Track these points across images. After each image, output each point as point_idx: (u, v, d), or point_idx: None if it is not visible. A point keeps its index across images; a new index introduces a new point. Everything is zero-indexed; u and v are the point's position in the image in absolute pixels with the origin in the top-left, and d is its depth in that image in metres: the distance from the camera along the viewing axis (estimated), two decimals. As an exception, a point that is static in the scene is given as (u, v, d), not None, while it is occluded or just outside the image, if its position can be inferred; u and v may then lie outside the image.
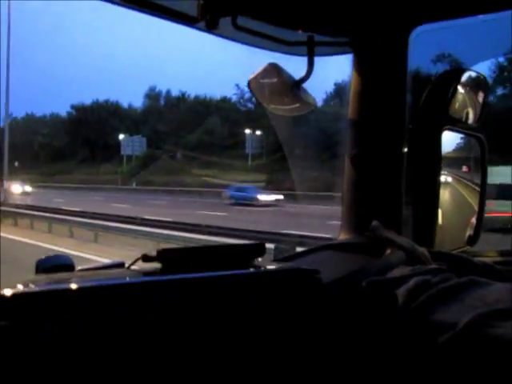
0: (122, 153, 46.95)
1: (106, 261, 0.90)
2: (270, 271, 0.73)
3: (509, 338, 0.77)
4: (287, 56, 1.42)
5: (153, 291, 0.62)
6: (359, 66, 1.34)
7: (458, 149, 1.55)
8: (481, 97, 1.45)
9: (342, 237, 1.32)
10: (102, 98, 59.23)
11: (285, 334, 0.74)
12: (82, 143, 53.52)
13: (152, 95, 58.70)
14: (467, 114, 1.43)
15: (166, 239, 12.48)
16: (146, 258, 0.67)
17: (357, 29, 1.33)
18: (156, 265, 0.68)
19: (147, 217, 17.09)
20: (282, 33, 1.32)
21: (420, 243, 1.28)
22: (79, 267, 0.82)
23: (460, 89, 1.38)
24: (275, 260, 1.00)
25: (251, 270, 0.71)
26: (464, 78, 1.38)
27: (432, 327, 0.84)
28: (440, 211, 1.47)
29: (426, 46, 1.41)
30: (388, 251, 1.14)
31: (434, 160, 1.35)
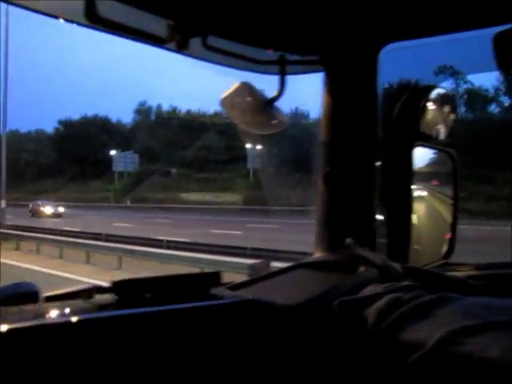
0: (114, 169, 45.10)
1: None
2: (220, 304, 0.72)
3: (477, 356, 0.77)
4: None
5: (104, 327, 0.61)
6: (330, 84, 1.35)
7: (431, 164, 1.57)
8: (451, 113, 1.47)
9: (317, 254, 1.32)
10: (89, 113, 57.56)
11: (241, 368, 0.72)
12: (71, 160, 51.57)
13: (142, 110, 57.17)
14: (438, 129, 1.45)
15: (209, 264, 10.67)
16: (99, 290, 0.66)
17: (327, 47, 1.35)
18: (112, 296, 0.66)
19: (172, 239, 15.15)
20: (253, 52, 1.33)
21: (394, 259, 1.29)
22: (45, 294, 0.80)
23: (430, 105, 1.40)
24: (232, 287, 0.98)
25: (199, 303, 0.70)
26: (434, 94, 1.40)
27: (402, 346, 0.83)
28: (416, 226, 1.48)
29: (396, 63, 1.43)
30: (361, 269, 1.14)
31: (406, 176, 1.36)
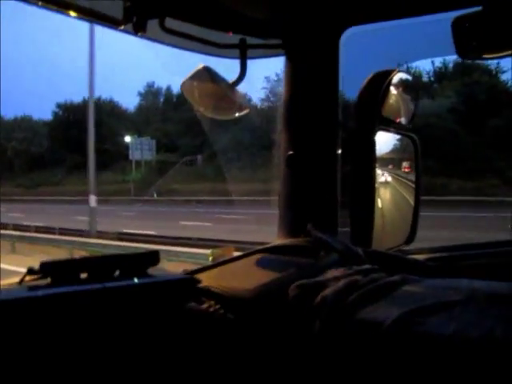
0: (131, 158, 37.53)
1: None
2: (157, 282, 0.70)
3: (433, 333, 0.77)
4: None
5: (35, 307, 0.59)
6: (292, 68, 1.34)
7: (394, 149, 1.58)
8: (413, 97, 1.47)
9: (279, 240, 1.31)
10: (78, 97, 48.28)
11: (179, 346, 0.71)
12: (72, 148, 42.72)
13: (151, 92, 49.14)
14: (400, 114, 1.45)
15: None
16: (30, 272, 0.63)
17: (288, 31, 1.33)
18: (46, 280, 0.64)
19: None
20: (213, 35, 1.31)
21: (357, 243, 1.29)
22: None
23: (392, 90, 1.40)
24: (189, 272, 0.96)
25: (137, 281, 0.69)
26: (396, 79, 1.40)
27: (360, 327, 0.84)
28: (380, 211, 1.49)
29: (357, 47, 1.42)
30: (322, 253, 1.14)
31: (369, 160, 1.36)
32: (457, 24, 1.16)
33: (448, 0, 1.22)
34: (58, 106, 48.73)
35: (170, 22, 1.20)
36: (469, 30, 1.16)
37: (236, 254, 1.30)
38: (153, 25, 1.18)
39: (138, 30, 1.15)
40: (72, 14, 1.12)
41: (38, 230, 16.51)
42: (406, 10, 1.29)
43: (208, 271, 1.01)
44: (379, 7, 1.30)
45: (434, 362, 0.76)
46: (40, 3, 1.05)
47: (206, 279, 0.94)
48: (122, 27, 1.16)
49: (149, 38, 1.23)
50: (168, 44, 1.28)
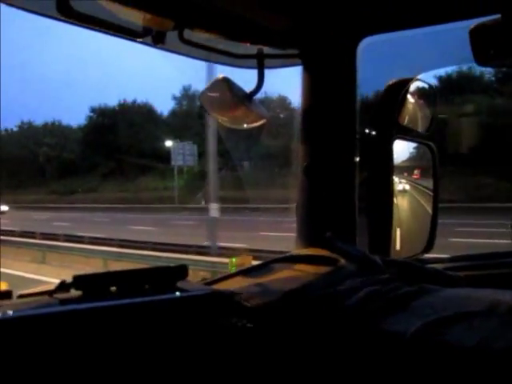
0: (173, 163, 34.56)
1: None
2: (188, 297, 0.71)
3: (454, 345, 0.77)
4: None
5: (69, 320, 0.60)
6: (309, 78, 1.34)
7: (410, 157, 1.58)
8: (430, 105, 1.47)
9: (297, 249, 1.32)
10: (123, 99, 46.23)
11: (212, 360, 0.71)
12: (106, 154, 40.26)
13: (187, 96, 46.42)
14: (417, 122, 1.45)
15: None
16: (61, 286, 0.64)
17: (305, 40, 1.34)
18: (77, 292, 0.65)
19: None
20: (230, 46, 1.32)
21: (376, 252, 1.29)
22: (19, 292, 0.79)
23: (409, 98, 1.40)
24: (208, 282, 0.97)
25: (167, 296, 0.69)
26: (413, 87, 1.41)
27: (381, 338, 0.83)
28: (398, 219, 1.48)
29: (375, 56, 1.43)
30: (341, 262, 1.14)
31: (386, 169, 1.36)
32: (475, 32, 1.16)
33: (466, 8, 1.21)
34: (92, 110, 46.03)
35: (189, 33, 1.22)
36: (487, 37, 1.16)
37: (254, 262, 1.30)
38: (171, 36, 1.19)
39: (158, 42, 1.17)
40: (92, 27, 1.14)
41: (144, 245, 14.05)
42: (423, 19, 1.29)
43: (227, 281, 1.01)
44: (396, 16, 1.31)
45: (455, 373, 0.76)
46: (60, 17, 1.07)
47: (227, 287, 0.95)
48: (141, 39, 1.18)
49: (167, 50, 1.25)
50: (187, 55, 1.30)
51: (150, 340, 0.65)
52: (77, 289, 0.64)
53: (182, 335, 0.68)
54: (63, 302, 0.63)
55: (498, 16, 1.10)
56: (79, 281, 0.64)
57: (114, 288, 0.67)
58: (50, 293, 0.65)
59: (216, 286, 0.98)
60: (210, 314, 0.71)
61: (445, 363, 0.77)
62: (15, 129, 49.06)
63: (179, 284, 0.73)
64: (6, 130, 46.92)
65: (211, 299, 0.72)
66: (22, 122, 49.44)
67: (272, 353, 0.82)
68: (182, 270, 0.73)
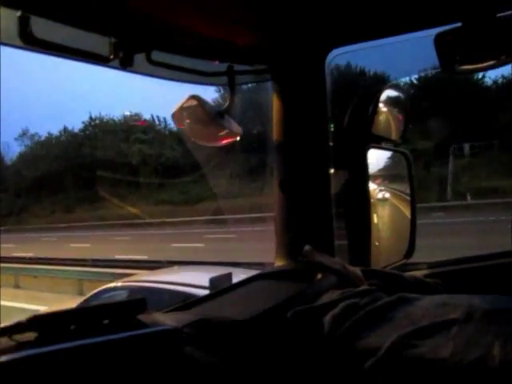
0: None
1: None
2: (147, 334, 0.69)
3: (428, 357, 0.77)
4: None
5: (29, 366, 0.58)
6: (279, 92, 1.35)
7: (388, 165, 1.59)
8: (402, 113, 1.49)
9: (277, 262, 1.31)
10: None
11: None
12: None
13: None
14: (391, 131, 1.46)
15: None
16: (17, 328, 0.63)
17: (274, 55, 1.35)
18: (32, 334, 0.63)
19: None
20: (200, 64, 1.32)
21: (356, 262, 1.29)
22: None
23: (381, 107, 1.42)
24: (187, 304, 0.96)
25: (126, 333, 0.67)
26: (384, 96, 1.42)
27: (357, 354, 0.83)
28: (379, 227, 1.49)
29: (344, 67, 1.44)
30: (320, 276, 1.14)
31: (362, 178, 1.36)
32: (439, 40, 1.18)
33: (429, 17, 1.23)
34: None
35: (157, 55, 1.22)
36: (451, 44, 1.17)
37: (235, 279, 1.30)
38: (140, 58, 1.19)
39: (125, 64, 1.17)
40: (57, 53, 1.13)
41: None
42: (389, 29, 1.30)
43: (207, 302, 1.01)
44: (363, 28, 1.32)
45: None
46: (26, 46, 1.06)
47: (204, 311, 0.94)
48: (109, 63, 1.18)
49: (136, 72, 1.24)
50: (156, 76, 1.29)
51: (111, 381, 0.64)
52: (32, 330, 0.63)
53: (144, 375, 0.67)
54: (20, 345, 0.61)
55: (458, 24, 1.12)
56: (35, 322, 0.62)
57: (72, 327, 0.65)
58: (7, 333, 0.64)
59: (195, 308, 0.97)
60: (171, 350, 0.70)
61: (418, 377, 0.77)
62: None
63: (141, 317, 0.72)
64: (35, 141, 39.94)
65: (171, 335, 0.70)
66: (49, 134, 39.85)
67: (245, 372, 0.81)
68: (140, 304, 0.72)
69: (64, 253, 16.30)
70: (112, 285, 6.20)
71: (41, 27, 1.02)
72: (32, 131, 39.56)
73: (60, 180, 32.01)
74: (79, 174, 31.18)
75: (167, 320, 0.79)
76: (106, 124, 36.56)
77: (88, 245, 18.85)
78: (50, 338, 0.61)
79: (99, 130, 35.96)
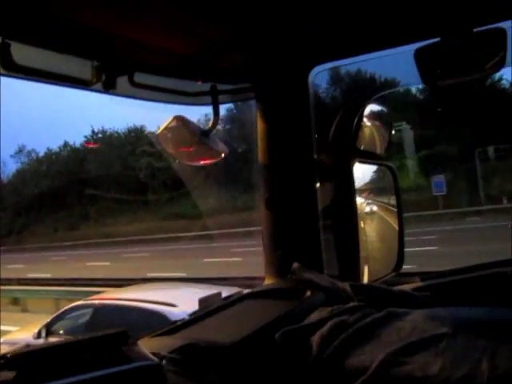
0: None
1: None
2: (130, 369, 0.68)
3: (417, 375, 0.77)
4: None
5: None
6: (263, 110, 1.35)
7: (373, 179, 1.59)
8: (386, 127, 1.50)
9: (267, 280, 1.31)
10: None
11: None
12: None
13: None
14: (375, 145, 1.47)
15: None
16: None
17: (256, 74, 1.36)
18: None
19: None
20: (183, 85, 1.33)
21: (345, 277, 1.29)
22: None
23: (365, 121, 1.42)
24: (174, 328, 0.95)
25: (108, 370, 0.66)
26: (368, 110, 1.43)
27: (346, 373, 0.83)
28: (368, 241, 1.49)
29: (327, 82, 1.45)
30: (308, 293, 1.14)
31: (348, 193, 1.37)
32: (419, 54, 1.20)
33: (409, 33, 1.25)
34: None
35: (139, 76, 1.22)
36: (431, 59, 1.19)
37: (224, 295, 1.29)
38: (122, 81, 1.20)
39: (108, 87, 1.17)
40: (39, 79, 1.12)
41: None
42: (370, 45, 1.31)
43: (194, 324, 1.00)
44: (344, 44, 1.33)
45: None
46: (7, 73, 1.06)
47: (191, 334, 0.93)
48: (92, 87, 1.18)
49: (119, 95, 1.24)
50: (139, 98, 1.29)
51: None
52: (10, 369, 0.61)
53: None
54: None
55: (437, 39, 1.13)
56: (13, 360, 0.61)
57: (51, 365, 0.64)
58: None
59: (183, 332, 0.96)
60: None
61: None
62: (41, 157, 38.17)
63: (125, 348, 0.71)
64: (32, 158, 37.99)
65: (153, 370, 0.69)
66: (48, 149, 37.06)
67: None
68: (122, 336, 0.71)
69: (87, 272, 15.03)
70: (80, 302, 6.33)
71: (21, 53, 1.02)
72: (28, 148, 37.84)
73: (62, 197, 30.74)
74: (82, 190, 29.75)
75: (153, 347, 0.78)
76: (109, 137, 34.76)
77: (107, 263, 17.79)
78: (29, 378, 0.60)
79: (104, 144, 33.91)
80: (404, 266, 1.51)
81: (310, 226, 1.32)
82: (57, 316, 6.39)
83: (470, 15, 1.15)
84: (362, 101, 1.43)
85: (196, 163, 1.35)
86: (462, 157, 18.71)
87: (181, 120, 1.30)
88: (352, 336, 0.90)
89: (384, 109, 1.48)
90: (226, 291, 1.38)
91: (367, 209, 1.55)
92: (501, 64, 1.14)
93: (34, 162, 37.57)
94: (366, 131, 1.43)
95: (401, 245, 1.53)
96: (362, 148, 1.40)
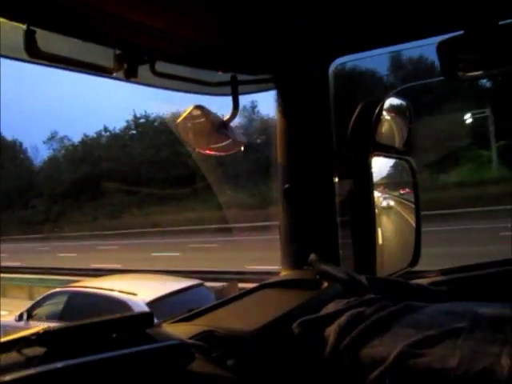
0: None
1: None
2: (156, 348, 0.69)
3: (436, 367, 0.76)
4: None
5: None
6: (283, 101, 1.35)
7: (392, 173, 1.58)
8: (406, 121, 1.49)
9: (283, 271, 1.31)
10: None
11: None
12: None
13: None
14: (394, 138, 1.46)
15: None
16: (26, 342, 0.63)
17: (277, 65, 1.36)
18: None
19: None
20: (203, 74, 1.33)
21: (362, 270, 1.29)
22: None
23: (385, 115, 1.42)
24: (193, 315, 0.96)
25: (135, 349, 0.67)
26: (387, 104, 1.42)
27: (364, 364, 0.83)
28: (384, 236, 1.48)
29: (347, 75, 1.44)
30: (325, 285, 1.14)
31: (366, 186, 1.36)
32: (441, 47, 1.18)
33: (432, 26, 1.23)
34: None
35: (161, 65, 1.22)
36: (453, 52, 1.18)
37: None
38: (144, 69, 1.20)
39: (130, 76, 1.18)
40: (63, 66, 1.14)
41: None
42: (391, 38, 1.30)
43: (212, 312, 1.00)
44: (365, 37, 1.32)
45: None
46: (30, 59, 1.07)
47: (210, 322, 0.94)
48: (114, 75, 1.18)
49: (140, 83, 1.25)
50: (160, 87, 1.30)
51: None
52: (41, 345, 0.63)
53: None
54: (30, 361, 0.61)
55: (461, 32, 1.12)
56: (43, 337, 0.62)
57: (79, 342, 0.65)
58: (15, 347, 0.64)
59: (201, 318, 0.97)
60: (180, 364, 0.70)
61: None
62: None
63: (149, 331, 0.72)
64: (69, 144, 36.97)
65: (179, 349, 0.70)
66: (85, 136, 36.25)
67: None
68: (147, 317, 0.72)
69: (164, 263, 13.11)
70: (57, 289, 7.17)
71: (45, 40, 1.03)
72: (61, 134, 37.43)
73: (101, 184, 28.87)
74: (124, 177, 28.56)
75: (175, 332, 0.79)
76: (152, 122, 32.79)
77: (177, 254, 16.14)
78: (59, 354, 0.61)
79: (148, 128, 32.17)
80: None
81: (327, 219, 1.32)
82: (37, 302, 7.14)
83: (495, 8, 1.13)
84: (381, 94, 1.42)
85: (214, 153, 1.35)
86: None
87: (201, 109, 1.31)
88: (369, 327, 0.90)
89: (404, 102, 1.47)
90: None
91: (384, 203, 1.55)
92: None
93: (70, 148, 36.77)
94: (386, 125, 1.43)
95: (417, 240, 1.52)
96: (380, 142, 1.40)
